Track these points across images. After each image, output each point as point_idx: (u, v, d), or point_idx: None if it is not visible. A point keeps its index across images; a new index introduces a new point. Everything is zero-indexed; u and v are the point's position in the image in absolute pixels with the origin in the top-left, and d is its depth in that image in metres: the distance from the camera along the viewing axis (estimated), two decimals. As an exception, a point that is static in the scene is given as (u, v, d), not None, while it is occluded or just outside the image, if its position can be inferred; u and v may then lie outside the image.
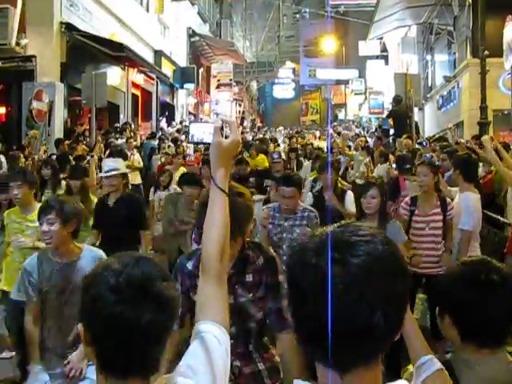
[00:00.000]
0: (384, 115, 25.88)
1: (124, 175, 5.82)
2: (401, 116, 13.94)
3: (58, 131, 13.30)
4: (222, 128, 1.69)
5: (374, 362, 1.06)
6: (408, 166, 7.21)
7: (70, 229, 3.42)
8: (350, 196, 6.12)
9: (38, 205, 4.72)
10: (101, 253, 3.58)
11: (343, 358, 1.02)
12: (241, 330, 2.65)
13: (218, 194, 1.67)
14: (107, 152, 11.06)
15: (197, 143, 2.47)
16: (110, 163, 5.79)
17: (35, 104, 12.20)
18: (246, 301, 2.67)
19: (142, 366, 1.33)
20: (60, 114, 13.60)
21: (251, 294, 2.67)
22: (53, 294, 3.46)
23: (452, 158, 6.67)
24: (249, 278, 2.68)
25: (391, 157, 9.86)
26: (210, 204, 1.68)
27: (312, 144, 16.43)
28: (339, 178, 6.95)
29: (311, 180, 7.45)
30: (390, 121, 15.60)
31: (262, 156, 11.53)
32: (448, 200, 5.31)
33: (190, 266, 2.74)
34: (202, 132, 1.87)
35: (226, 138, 1.69)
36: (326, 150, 16.34)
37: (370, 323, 0.99)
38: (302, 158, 12.51)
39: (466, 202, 5.14)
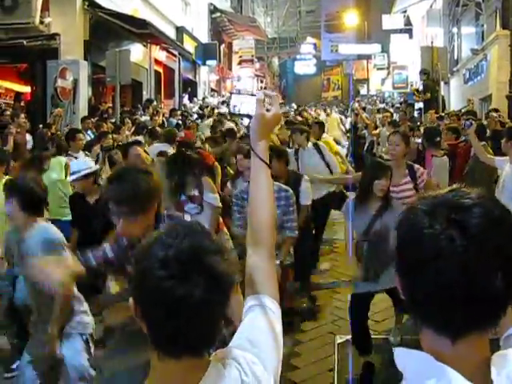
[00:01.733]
0: (408, 89, 25.53)
1: (90, 174, 5.30)
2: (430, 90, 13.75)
3: (83, 109, 13.33)
4: (263, 100, 1.70)
5: (486, 329, 1.04)
6: (438, 139, 7.07)
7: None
8: (304, 185, 5.85)
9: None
10: (54, 237, 3.62)
11: (458, 323, 1.01)
12: None
13: (262, 166, 1.68)
14: (133, 129, 11.11)
15: (238, 115, 2.42)
16: (73, 165, 5.47)
17: (60, 82, 12.23)
18: None
19: (196, 344, 1.28)
20: (84, 92, 13.62)
21: None
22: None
23: (480, 131, 6.63)
24: None
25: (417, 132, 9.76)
26: (254, 177, 1.69)
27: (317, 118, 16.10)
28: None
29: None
30: (416, 97, 15.38)
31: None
32: (416, 166, 5.27)
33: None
34: (243, 103, 1.82)
35: (267, 110, 1.70)
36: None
37: (490, 286, 0.98)
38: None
39: None
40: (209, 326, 1.28)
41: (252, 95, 1.77)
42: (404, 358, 1.07)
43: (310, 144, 7.53)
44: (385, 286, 4.48)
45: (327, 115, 20.64)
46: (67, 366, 3.55)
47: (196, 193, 5.15)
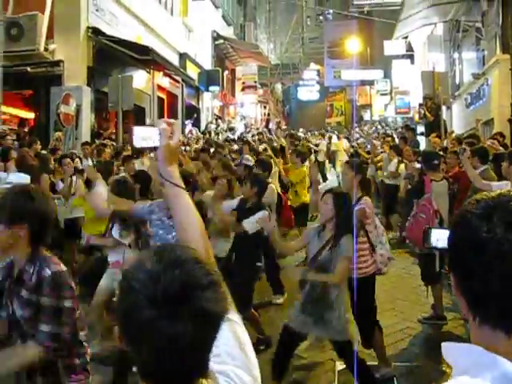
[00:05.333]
0: (411, 114, 25.61)
1: None
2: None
3: (85, 135, 13.41)
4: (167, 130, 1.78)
5: None
6: (436, 163, 6.71)
7: None
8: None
9: None
10: None
11: None
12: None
13: (180, 192, 1.78)
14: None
15: (143, 148, 2.39)
16: (13, 177, 5.67)
17: (62, 108, 12.32)
18: (21, 317, 2.42)
19: (187, 377, 1.22)
20: (87, 118, 13.73)
21: (25, 312, 2.42)
22: None
23: (478, 155, 6.66)
24: (24, 293, 2.42)
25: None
26: (175, 204, 1.78)
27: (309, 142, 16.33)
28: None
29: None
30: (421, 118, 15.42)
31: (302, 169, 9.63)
32: (364, 199, 5.04)
33: None
34: (146, 136, 1.84)
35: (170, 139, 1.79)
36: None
37: None
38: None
39: None
40: (198, 360, 1.23)
41: (153, 126, 1.80)
42: (454, 351, 1.07)
43: None
44: (322, 335, 4.52)
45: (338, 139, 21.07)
46: None
47: None
